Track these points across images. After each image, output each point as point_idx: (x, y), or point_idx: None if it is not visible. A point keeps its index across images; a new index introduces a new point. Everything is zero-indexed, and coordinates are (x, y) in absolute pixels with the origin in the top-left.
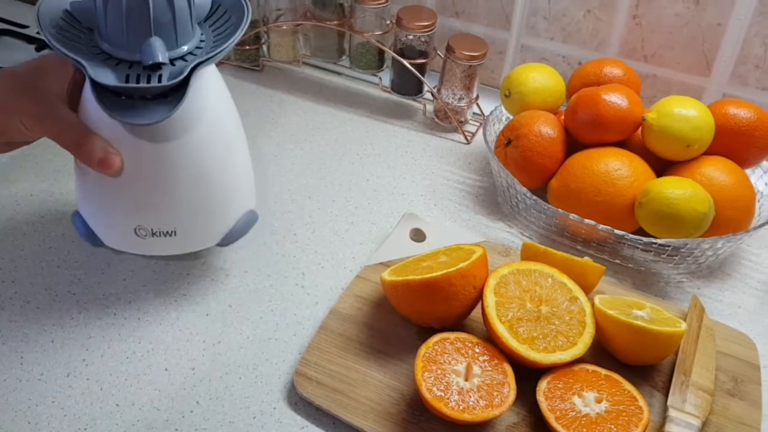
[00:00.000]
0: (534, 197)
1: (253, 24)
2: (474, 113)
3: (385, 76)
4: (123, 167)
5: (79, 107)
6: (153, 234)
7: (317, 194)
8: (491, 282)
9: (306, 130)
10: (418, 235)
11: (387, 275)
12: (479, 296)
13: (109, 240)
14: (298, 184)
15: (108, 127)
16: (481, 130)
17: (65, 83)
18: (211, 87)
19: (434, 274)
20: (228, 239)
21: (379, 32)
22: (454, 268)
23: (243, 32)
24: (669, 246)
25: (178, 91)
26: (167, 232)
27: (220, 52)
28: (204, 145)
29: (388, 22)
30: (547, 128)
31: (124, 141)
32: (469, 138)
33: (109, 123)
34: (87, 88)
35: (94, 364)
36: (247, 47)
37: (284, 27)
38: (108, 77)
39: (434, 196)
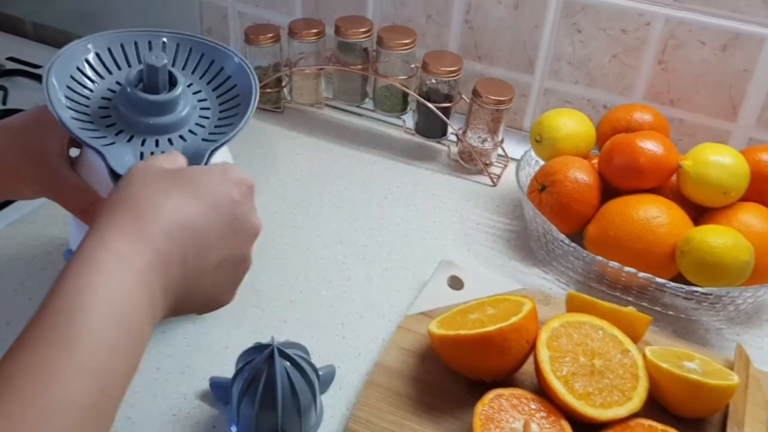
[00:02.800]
0: (573, 244)
1: (275, 67)
2: (498, 155)
3: (408, 118)
4: None
5: (78, 161)
6: None
7: (349, 239)
8: (543, 336)
9: (331, 173)
10: (456, 283)
11: (435, 328)
12: (531, 349)
13: None
14: (328, 229)
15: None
16: (506, 172)
17: (64, 139)
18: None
19: (487, 329)
20: None
21: (404, 76)
22: (507, 323)
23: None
24: (711, 294)
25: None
26: None
27: (235, 134)
28: None
29: (413, 66)
30: (582, 174)
31: None
32: (495, 180)
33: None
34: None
35: None
36: (269, 90)
37: (307, 71)
38: (123, 159)
39: (466, 241)
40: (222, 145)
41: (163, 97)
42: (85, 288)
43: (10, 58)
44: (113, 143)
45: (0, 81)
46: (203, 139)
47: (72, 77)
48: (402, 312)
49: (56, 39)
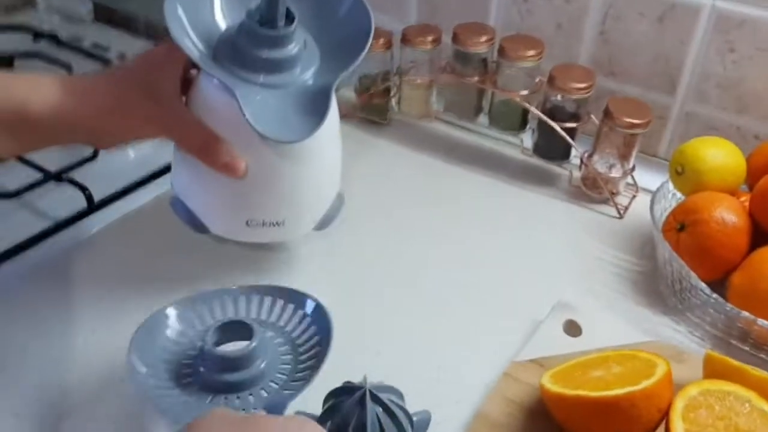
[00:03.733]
0: (714, 295)
1: (385, 76)
2: (627, 183)
3: (526, 137)
4: (247, 171)
5: (190, 103)
6: (263, 224)
7: (453, 271)
8: (679, 405)
9: (439, 195)
10: (573, 329)
11: (549, 383)
12: (662, 419)
13: (216, 228)
14: (431, 258)
15: (225, 126)
16: (634, 203)
17: (178, 78)
18: None
19: (613, 393)
20: (323, 224)
21: (526, 91)
22: (637, 387)
23: None
24: None
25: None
26: (277, 222)
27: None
28: (316, 146)
29: (537, 80)
30: (729, 214)
31: (243, 141)
32: (621, 212)
33: (227, 122)
34: (203, 85)
35: None
36: (376, 100)
37: (419, 81)
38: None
39: (586, 280)
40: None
41: (236, 353)
42: None
43: (122, 56)
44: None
45: None
46: (284, 389)
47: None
48: (509, 357)
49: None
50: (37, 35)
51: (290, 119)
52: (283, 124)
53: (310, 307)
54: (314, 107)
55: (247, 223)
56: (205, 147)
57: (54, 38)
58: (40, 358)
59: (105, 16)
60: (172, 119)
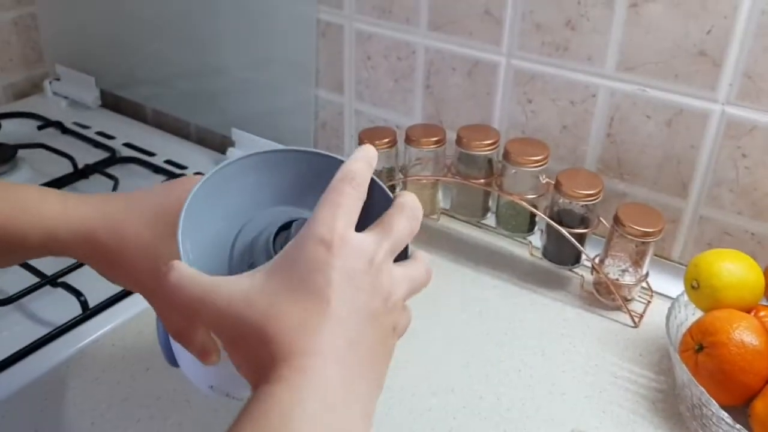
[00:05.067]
0: (738, 426)
1: (390, 172)
2: (641, 286)
3: (535, 238)
4: (218, 361)
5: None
6: (227, 396)
7: (461, 387)
8: None
9: (444, 296)
10: None
11: None
12: None
13: (185, 371)
14: (438, 371)
15: None
16: (649, 310)
17: None
18: None
19: None
20: None
21: (533, 194)
22: None
23: None
24: None
25: None
26: (241, 399)
27: None
28: None
29: (544, 182)
30: (749, 336)
31: None
32: (636, 321)
33: None
34: None
35: None
36: None
37: (423, 181)
38: None
39: (601, 399)
40: None
41: None
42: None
43: (127, 144)
44: None
45: (113, 169)
46: None
47: None
48: None
49: (173, 126)
50: (43, 125)
51: None
52: None
53: None
54: None
55: (211, 387)
56: (180, 332)
57: (59, 125)
58: None
59: (112, 103)
60: (158, 293)
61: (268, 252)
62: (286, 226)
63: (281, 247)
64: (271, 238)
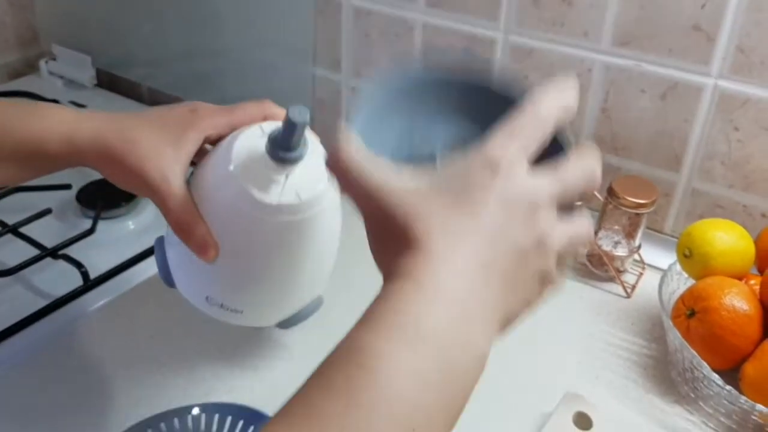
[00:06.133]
0: (728, 387)
1: None
2: (633, 259)
3: None
4: (217, 257)
5: (195, 170)
6: (221, 307)
7: None
8: None
9: None
10: (583, 422)
11: None
12: None
13: (182, 289)
14: None
15: (216, 202)
16: (641, 281)
17: (197, 147)
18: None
19: None
20: (289, 323)
21: None
22: None
23: None
24: None
25: None
26: (235, 310)
27: None
28: (297, 247)
29: None
30: (740, 301)
31: (226, 221)
32: (629, 291)
33: (220, 200)
34: (212, 161)
35: None
36: None
37: None
38: None
39: (594, 366)
40: None
41: None
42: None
43: None
44: None
45: None
46: None
47: None
48: None
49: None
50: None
51: None
52: None
53: None
54: None
55: (206, 299)
56: (182, 225)
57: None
58: None
59: (108, 82)
60: (161, 190)
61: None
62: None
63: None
64: (438, 152)
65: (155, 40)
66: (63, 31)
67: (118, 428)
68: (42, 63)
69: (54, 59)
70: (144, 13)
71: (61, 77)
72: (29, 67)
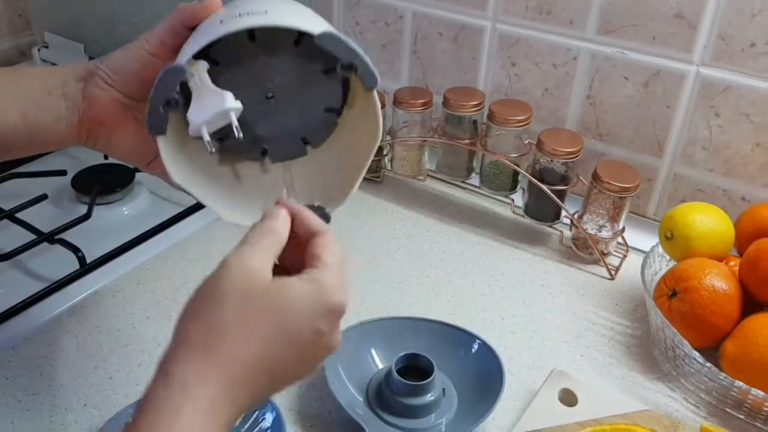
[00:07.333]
0: (708, 364)
1: None
2: (617, 242)
3: (517, 197)
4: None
5: None
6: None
7: None
8: None
9: (431, 253)
10: (569, 398)
11: None
12: None
13: None
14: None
15: None
16: (625, 264)
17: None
18: None
19: None
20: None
21: (516, 154)
22: None
23: None
24: None
25: None
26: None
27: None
28: None
29: (526, 142)
30: (720, 281)
31: None
32: (612, 273)
33: None
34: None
35: None
36: None
37: (410, 142)
38: None
39: (579, 345)
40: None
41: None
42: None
43: None
44: None
45: None
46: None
47: None
48: (506, 428)
49: None
50: None
51: None
52: None
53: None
54: None
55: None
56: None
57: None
58: None
59: None
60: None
61: None
62: None
63: None
64: None
65: (148, 27)
66: (55, 19)
67: (116, 408)
68: (35, 51)
69: (46, 47)
70: (136, 1)
71: (54, 65)
72: (22, 55)
